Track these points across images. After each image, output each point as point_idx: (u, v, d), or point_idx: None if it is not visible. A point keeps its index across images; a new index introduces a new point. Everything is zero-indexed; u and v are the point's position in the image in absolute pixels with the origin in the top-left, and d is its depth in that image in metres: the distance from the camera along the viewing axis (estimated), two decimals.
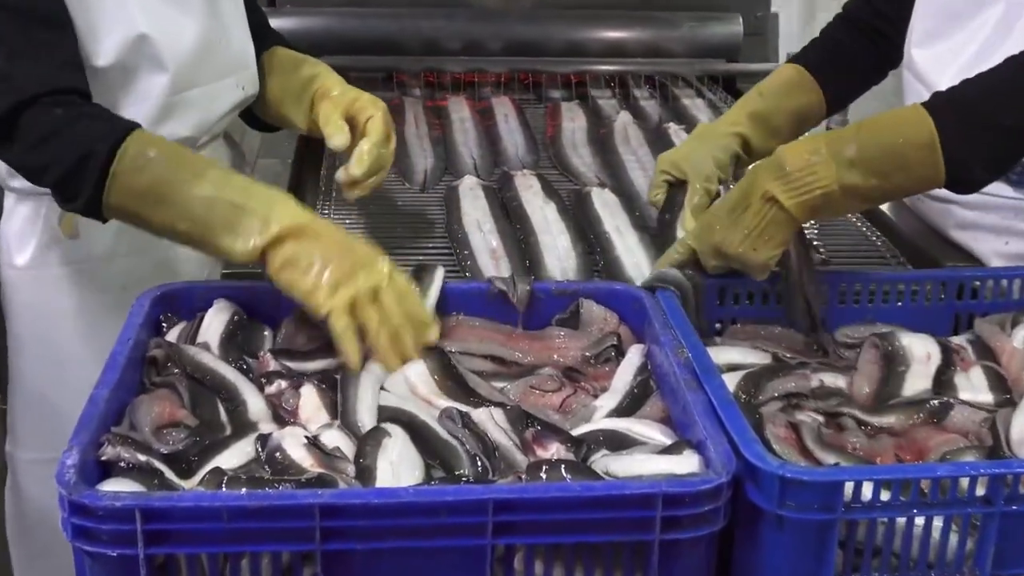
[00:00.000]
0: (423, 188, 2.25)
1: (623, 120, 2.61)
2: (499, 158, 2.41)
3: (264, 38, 1.95)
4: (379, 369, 1.41)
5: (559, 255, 1.90)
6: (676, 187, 1.90)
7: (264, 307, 1.54)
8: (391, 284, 1.44)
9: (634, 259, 1.89)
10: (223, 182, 1.48)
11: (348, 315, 1.41)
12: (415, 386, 1.40)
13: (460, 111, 2.67)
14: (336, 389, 1.37)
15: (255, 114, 1.98)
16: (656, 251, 1.89)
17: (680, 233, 1.83)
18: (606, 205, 2.08)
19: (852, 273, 1.65)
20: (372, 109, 1.84)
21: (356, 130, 1.84)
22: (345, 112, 1.85)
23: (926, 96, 1.54)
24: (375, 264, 1.44)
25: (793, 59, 2.00)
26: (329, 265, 1.42)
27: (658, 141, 2.49)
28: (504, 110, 2.70)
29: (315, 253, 1.43)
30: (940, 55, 1.86)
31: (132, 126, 1.52)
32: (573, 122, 2.63)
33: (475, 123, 2.60)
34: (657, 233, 1.90)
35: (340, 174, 1.79)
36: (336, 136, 1.81)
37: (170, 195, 1.47)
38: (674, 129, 2.57)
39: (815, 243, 2.00)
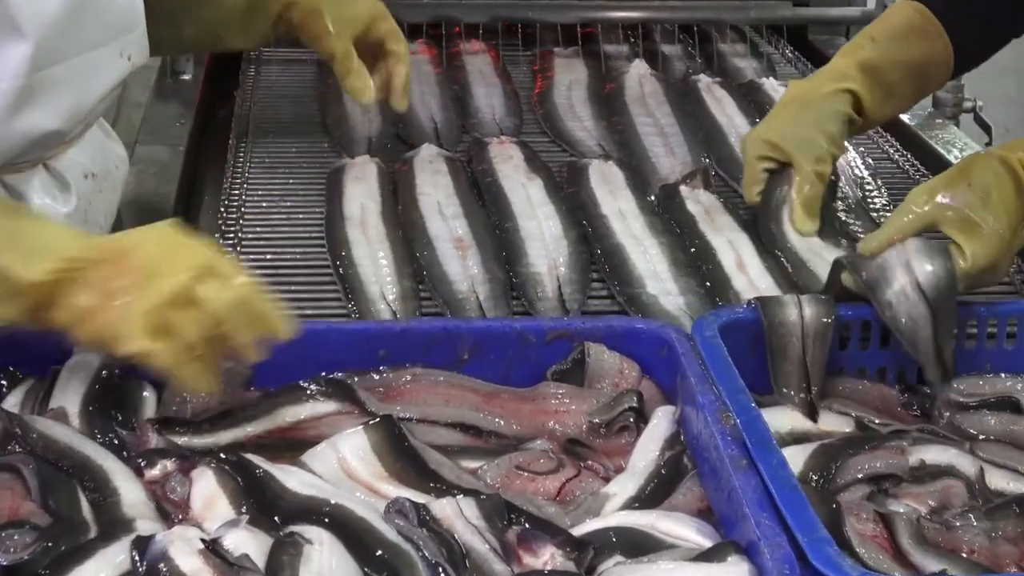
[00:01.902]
0: None
1: (637, 71, 2.66)
2: (469, 122, 2.49)
3: None
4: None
5: (546, 244, 1.97)
6: (776, 174, 1.98)
7: None
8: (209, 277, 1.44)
9: (641, 248, 1.95)
10: None
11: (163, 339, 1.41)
12: (351, 467, 1.41)
13: (418, 61, 2.71)
14: (243, 472, 1.38)
15: None
16: (670, 236, 1.96)
17: (792, 236, 1.93)
18: (606, 181, 2.15)
19: (963, 304, 1.66)
20: (393, 42, 2.19)
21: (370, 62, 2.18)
22: (356, 38, 2.16)
23: None
24: (175, 262, 1.44)
25: None
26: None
27: (684, 98, 2.56)
28: (478, 61, 2.75)
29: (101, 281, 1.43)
30: None
31: None
32: (570, 74, 2.69)
33: (437, 76, 2.67)
34: (760, 239, 1.96)
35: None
36: (362, 90, 2.15)
37: None
38: (706, 83, 2.62)
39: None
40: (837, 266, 1.68)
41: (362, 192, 2.14)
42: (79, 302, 1.43)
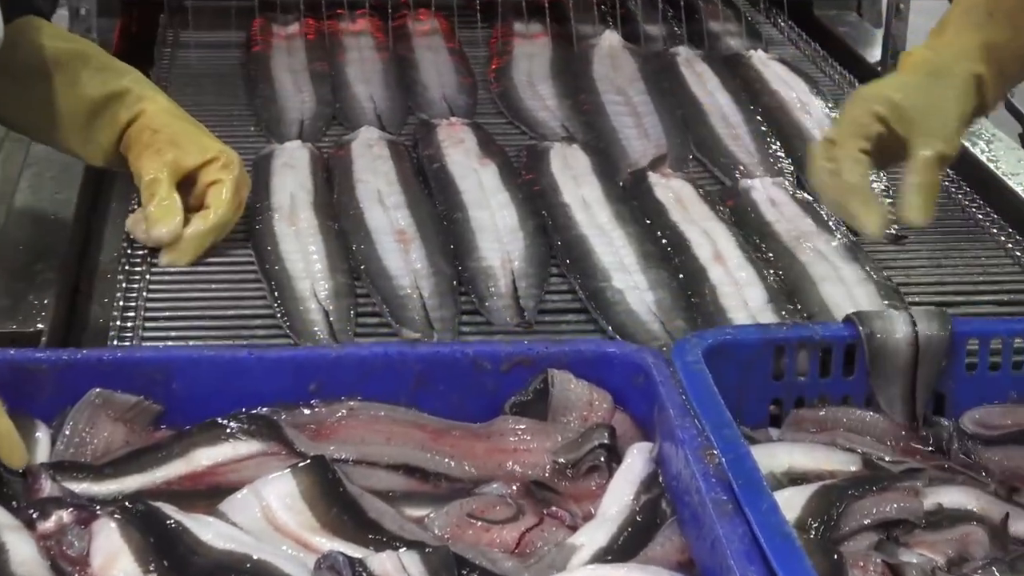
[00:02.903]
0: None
1: (608, 43, 2.75)
2: (416, 101, 2.57)
3: None
4: None
5: (499, 236, 2.05)
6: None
7: (37, 390, 1.55)
8: None
9: (606, 239, 2.03)
10: None
11: None
12: (277, 517, 1.41)
13: (358, 35, 2.81)
14: (151, 523, 1.38)
15: None
16: (639, 226, 2.03)
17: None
18: (569, 167, 2.23)
19: (986, 320, 1.68)
20: (218, 172, 2.02)
21: (190, 187, 2.03)
22: (178, 173, 2.02)
23: None
24: None
25: None
26: None
27: (660, 74, 2.65)
28: (427, 34, 2.83)
29: None
30: None
31: None
32: (531, 47, 2.77)
33: (380, 51, 2.75)
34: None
35: (137, 230, 2.01)
36: (160, 224, 1.99)
37: None
38: (685, 56, 2.71)
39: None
40: None
41: (292, 180, 2.20)
42: None
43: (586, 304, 1.91)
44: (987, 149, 2.37)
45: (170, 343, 1.85)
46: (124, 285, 1.96)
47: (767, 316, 1.86)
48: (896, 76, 2.03)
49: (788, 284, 1.94)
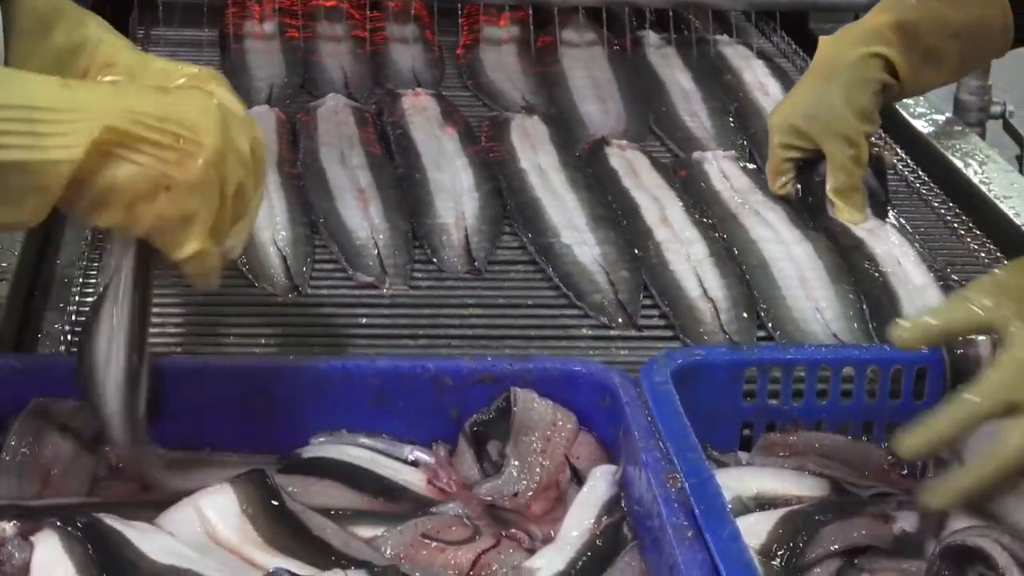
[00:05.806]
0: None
1: (576, 27, 2.89)
2: (383, 73, 2.73)
3: None
4: None
5: (456, 197, 2.21)
6: (806, 166, 2.15)
7: None
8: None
9: (559, 202, 2.19)
10: None
11: None
12: (218, 532, 1.42)
13: (331, 8, 2.94)
14: (93, 535, 1.39)
15: None
16: (592, 192, 2.20)
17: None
18: (527, 136, 2.40)
19: (968, 345, 1.69)
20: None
21: None
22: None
23: None
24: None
25: None
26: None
27: (625, 53, 2.83)
28: (402, 19, 2.94)
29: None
30: None
31: None
32: (501, 29, 2.93)
33: (352, 24, 2.90)
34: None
35: None
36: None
37: None
38: (654, 42, 2.88)
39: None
40: None
41: None
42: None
43: (535, 256, 2.07)
44: (980, 171, 2.38)
45: None
46: (81, 282, 1.98)
47: (708, 268, 2.03)
48: (798, 86, 2.21)
49: (731, 243, 2.09)
